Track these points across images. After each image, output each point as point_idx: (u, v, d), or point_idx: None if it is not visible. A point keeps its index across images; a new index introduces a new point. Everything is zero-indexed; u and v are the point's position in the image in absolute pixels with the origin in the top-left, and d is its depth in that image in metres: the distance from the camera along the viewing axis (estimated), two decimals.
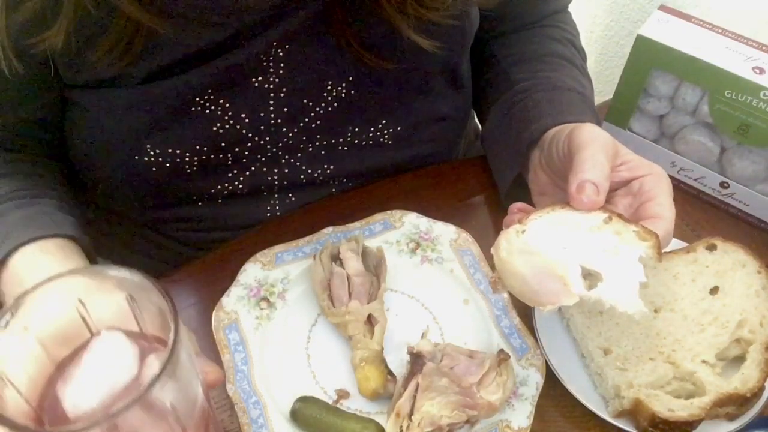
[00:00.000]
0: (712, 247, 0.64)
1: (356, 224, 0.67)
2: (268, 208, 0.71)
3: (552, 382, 0.57)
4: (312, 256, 0.64)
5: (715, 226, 0.71)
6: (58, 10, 0.52)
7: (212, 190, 0.68)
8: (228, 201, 0.69)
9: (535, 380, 0.57)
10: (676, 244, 0.66)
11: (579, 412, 0.56)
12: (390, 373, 0.57)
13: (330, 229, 0.67)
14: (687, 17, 0.70)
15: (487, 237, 0.68)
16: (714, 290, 0.61)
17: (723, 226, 0.71)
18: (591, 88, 0.76)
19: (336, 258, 0.63)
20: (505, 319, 0.62)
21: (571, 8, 0.84)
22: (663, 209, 0.53)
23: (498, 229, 0.69)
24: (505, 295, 0.62)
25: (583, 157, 0.53)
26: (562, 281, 0.49)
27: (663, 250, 0.51)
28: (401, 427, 0.52)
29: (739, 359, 0.57)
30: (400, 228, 0.68)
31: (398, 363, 0.58)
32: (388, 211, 0.68)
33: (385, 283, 0.62)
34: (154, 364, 0.43)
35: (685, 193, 0.75)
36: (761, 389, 0.55)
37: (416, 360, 0.55)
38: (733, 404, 0.54)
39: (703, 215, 0.73)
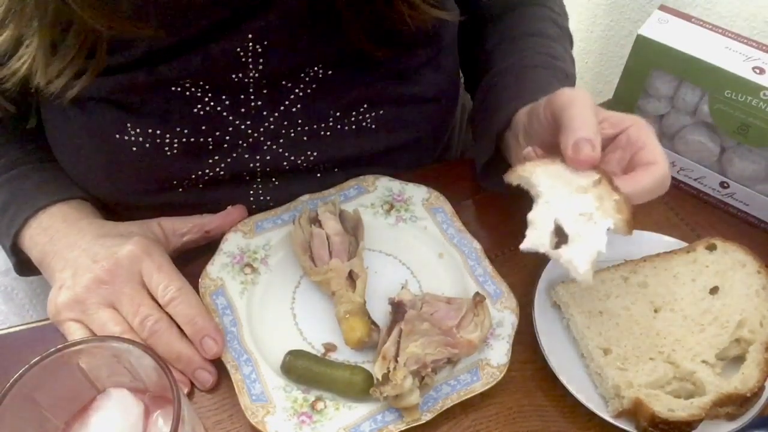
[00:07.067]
0: (712, 247, 0.64)
1: (331, 190, 0.70)
2: (251, 192, 0.71)
3: (552, 382, 0.57)
4: (291, 223, 0.66)
5: (715, 226, 0.71)
6: (24, 40, 0.54)
7: (193, 176, 0.67)
8: (210, 187, 0.69)
9: (510, 321, 0.60)
10: (676, 244, 0.66)
11: (579, 412, 0.56)
12: (373, 323, 0.59)
13: (306, 196, 0.70)
14: (687, 17, 0.70)
15: (487, 237, 0.68)
16: (714, 290, 0.61)
17: (723, 226, 0.71)
18: (569, 57, 0.76)
19: (315, 221, 0.65)
20: (479, 267, 0.64)
21: (571, 8, 0.84)
22: (655, 155, 0.54)
23: (499, 228, 0.70)
24: (478, 245, 0.65)
25: (570, 116, 0.53)
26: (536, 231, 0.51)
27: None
28: (388, 368, 0.54)
29: (739, 359, 0.57)
30: (374, 191, 0.70)
31: (381, 317, 0.60)
32: (361, 177, 0.71)
33: (363, 241, 0.64)
34: (159, 421, 0.44)
35: (685, 193, 0.75)
36: (761, 389, 0.55)
37: (398, 309, 0.57)
38: (733, 404, 0.54)
39: (703, 215, 0.73)
